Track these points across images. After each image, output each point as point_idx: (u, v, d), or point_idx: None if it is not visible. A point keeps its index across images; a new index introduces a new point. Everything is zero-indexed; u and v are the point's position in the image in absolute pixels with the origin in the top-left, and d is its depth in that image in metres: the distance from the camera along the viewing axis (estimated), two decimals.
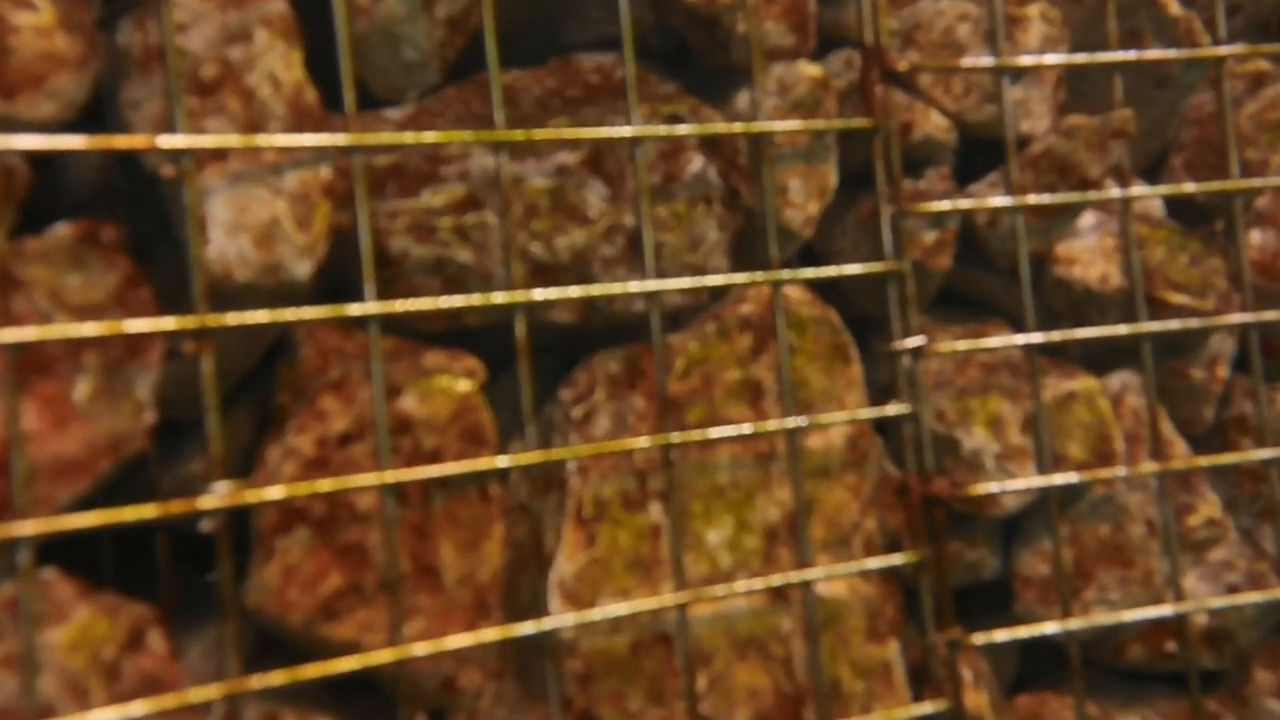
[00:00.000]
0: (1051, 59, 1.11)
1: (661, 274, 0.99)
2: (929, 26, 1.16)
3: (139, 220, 0.89)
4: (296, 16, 0.87)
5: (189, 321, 0.73)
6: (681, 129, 0.95)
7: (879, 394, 1.17)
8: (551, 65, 1.07)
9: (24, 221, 0.86)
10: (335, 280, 0.92)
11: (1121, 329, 1.11)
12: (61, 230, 0.74)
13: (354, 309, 0.79)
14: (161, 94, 0.79)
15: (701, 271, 1.01)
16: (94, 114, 0.86)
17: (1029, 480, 1.07)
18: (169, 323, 0.72)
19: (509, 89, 1.01)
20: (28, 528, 0.65)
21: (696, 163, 1.01)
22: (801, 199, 1.06)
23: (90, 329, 0.69)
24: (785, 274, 0.99)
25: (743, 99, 1.07)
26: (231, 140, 0.75)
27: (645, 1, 1.08)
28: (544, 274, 0.93)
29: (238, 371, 0.88)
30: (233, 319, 0.75)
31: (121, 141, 0.72)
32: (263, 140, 0.76)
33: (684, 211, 1.00)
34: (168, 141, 0.73)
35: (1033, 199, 1.10)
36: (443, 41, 0.92)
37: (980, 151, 1.24)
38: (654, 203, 0.99)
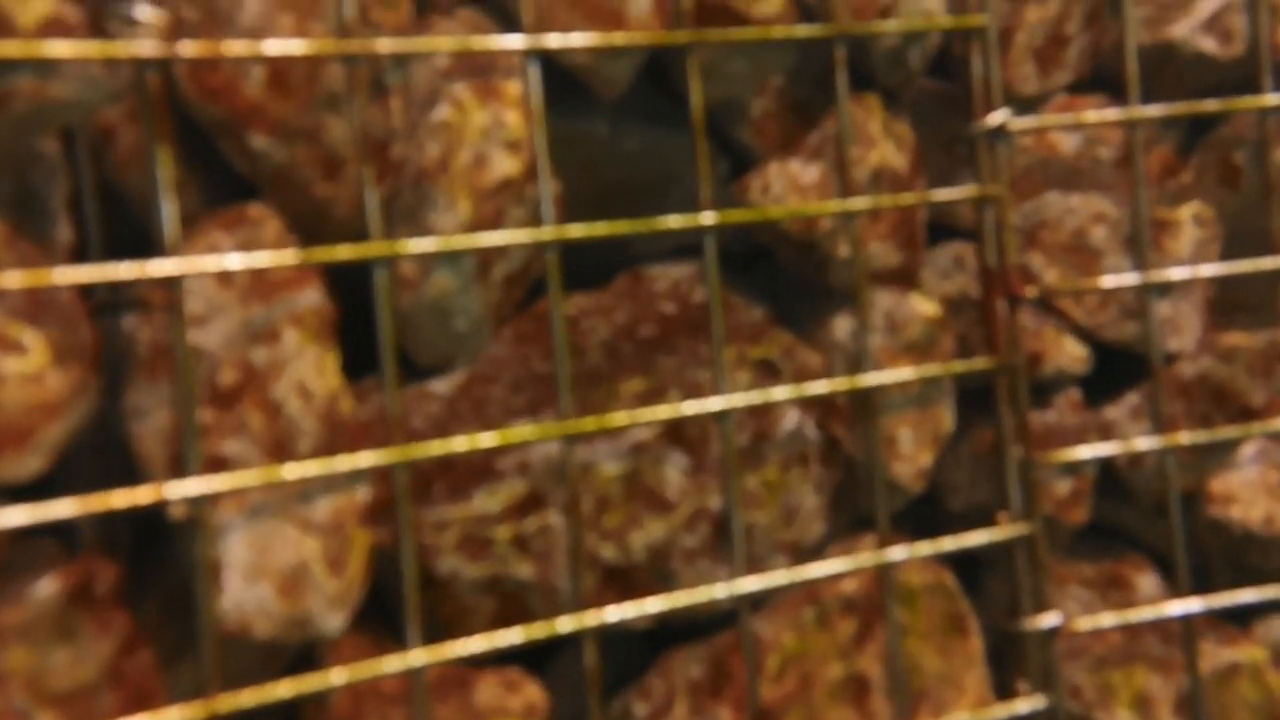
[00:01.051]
0: (1208, 270, 1.01)
1: (752, 556, 0.89)
2: (1056, 226, 1.06)
3: (138, 524, 0.82)
4: (330, 302, 0.80)
5: (198, 710, 0.65)
6: (778, 394, 0.86)
7: (994, 643, 1.06)
8: (620, 284, 0.98)
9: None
10: (370, 588, 0.84)
11: None
12: (45, 590, 0.66)
13: (395, 663, 0.71)
14: (170, 403, 0.71)
15: (797, 546, 0.92)
16: None
17: None
18: (173, 716, 0.64)
19: (572, 324, 0.93)
20: None
21: (791, 418, 0.92)
22: (912, 449, 0.96)
23: None
24: (898, 553, 0.89)
25: (841, 326, 0.98)
26: (251, 478, 0.67)
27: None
28: (617, 578, 0.84)
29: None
30: (249, 698, 0.66)
31: (121, 499, 0.64)
32: (290, 471, 0.68)
33: (777, 479, 0.91)
34: (178, 490, 0.66)
35: (1185, 438, 1.00)
36: (499, 301, 0.84)
37: (1115, 358, 1.14)
38: (742, 470, 0.90)
